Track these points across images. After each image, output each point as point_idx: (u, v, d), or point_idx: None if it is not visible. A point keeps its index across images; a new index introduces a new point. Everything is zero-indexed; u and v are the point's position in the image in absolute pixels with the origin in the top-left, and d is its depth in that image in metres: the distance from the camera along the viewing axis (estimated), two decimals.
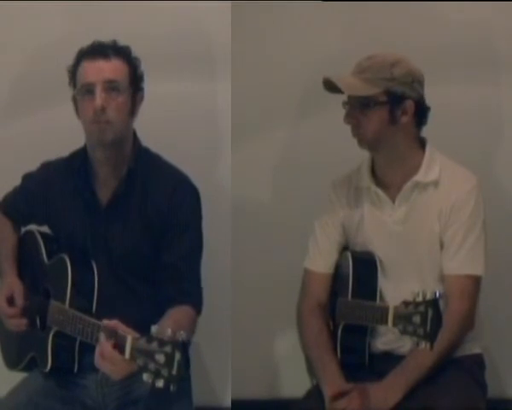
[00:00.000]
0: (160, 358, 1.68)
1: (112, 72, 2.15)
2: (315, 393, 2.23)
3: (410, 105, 2.17)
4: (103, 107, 2.11)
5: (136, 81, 2.21)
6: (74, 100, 2.20)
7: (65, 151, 2.32)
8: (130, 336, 1.78)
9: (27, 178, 2.37)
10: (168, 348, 1.68)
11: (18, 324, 2.20)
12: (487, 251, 2.22)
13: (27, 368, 2.25)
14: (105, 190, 2.22)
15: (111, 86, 2.14)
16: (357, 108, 2.18)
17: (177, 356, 1.67)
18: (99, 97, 2.11)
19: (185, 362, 1.68)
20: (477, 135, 2.66)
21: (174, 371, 1.67)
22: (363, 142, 2.21)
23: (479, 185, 2.21)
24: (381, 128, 2.18)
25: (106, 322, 1.89)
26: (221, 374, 2.73)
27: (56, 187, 2.28)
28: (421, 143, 2.25)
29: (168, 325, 1.76)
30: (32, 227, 2.37)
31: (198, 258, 2.24)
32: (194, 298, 2.16)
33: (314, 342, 2.26)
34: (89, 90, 2.13)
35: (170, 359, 1.67)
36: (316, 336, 2.27)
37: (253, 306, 2.77)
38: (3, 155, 2.67)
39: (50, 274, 2.22)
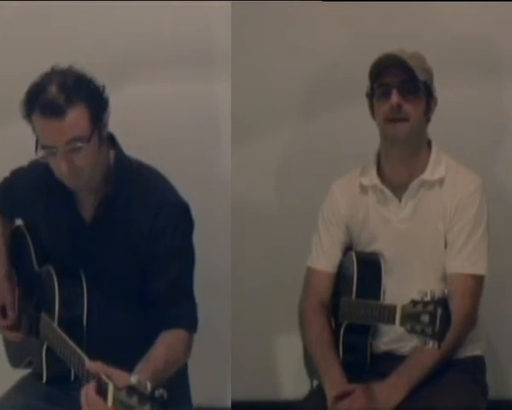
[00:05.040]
0: None
1: (70, 130, 1.92)
2: (316, 394, 2.23)
3: (435, 102, 2.20)
4: (71, 175, 1.97)
5: (100, 117, 1.99)
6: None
7: None
8: (111, 385, 1.65)
9: (16, 173, 2.27)
10: (147, 408, 1.55)
11: (12, 336, 2.19)
12: (489, 251, 2.21)
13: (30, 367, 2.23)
14: (87, 209, 2.11)
15: (73, 147, 1.94)
16: (405, 93, 2.13)
17: None
18: (63, 165, 1.94)
19: None
20: (478, 135, 2.67)
21: None
22: (404, 129, 2.15)
23: (483, 186, 2.21)
24: (420, 118, 2.18)
25: (89, 364, 1.78)
26: (221, 374, 2.73)
27: (42, 190, 2.15)
28: (428, 142, 2.25)
29: (155, 364, 1.81)
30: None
31: (189, 279, 2.12)
32: (187, 320, 2.07)
33: (316, 341, 2.26)
34: (52, 153, 1.95)
35: None
36: (318, 335, 2.26)
37: (253, 306, 2.77)
38: (4, 155, 2.66)
39: (40, 284, 2.14)
